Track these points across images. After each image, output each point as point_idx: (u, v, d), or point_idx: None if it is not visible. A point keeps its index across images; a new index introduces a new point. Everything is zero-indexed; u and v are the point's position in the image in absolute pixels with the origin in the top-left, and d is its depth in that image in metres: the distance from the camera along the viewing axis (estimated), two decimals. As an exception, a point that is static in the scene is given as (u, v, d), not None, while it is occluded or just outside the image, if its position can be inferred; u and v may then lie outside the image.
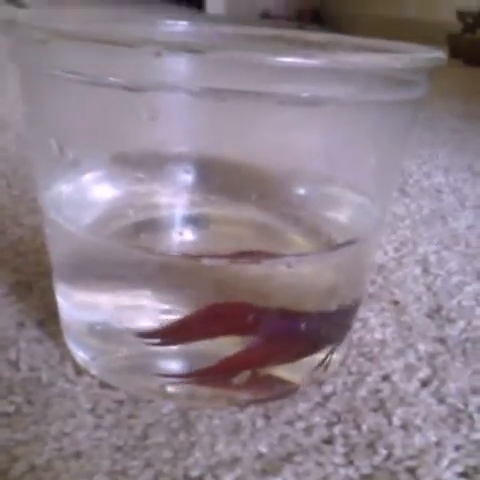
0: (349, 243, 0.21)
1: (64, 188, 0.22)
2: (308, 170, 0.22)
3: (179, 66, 0.17)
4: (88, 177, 0.22)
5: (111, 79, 0.17)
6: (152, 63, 0.16)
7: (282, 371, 0.21)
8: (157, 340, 0.20)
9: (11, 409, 0.20)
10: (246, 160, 0.22)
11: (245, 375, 0.20)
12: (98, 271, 0.21)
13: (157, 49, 0.15)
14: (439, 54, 0.19)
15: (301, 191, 0.23)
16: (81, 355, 0.22)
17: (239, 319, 0.20)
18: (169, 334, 0.20)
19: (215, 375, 0.20)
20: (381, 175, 0.22)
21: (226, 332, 0.20)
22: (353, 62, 0.17)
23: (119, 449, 0.19)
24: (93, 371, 0.22)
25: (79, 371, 0.22)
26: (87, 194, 0.23)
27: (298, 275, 0.20)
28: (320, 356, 0.22)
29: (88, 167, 0.22)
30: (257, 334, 0.20)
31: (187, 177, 0.22)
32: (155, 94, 0.18)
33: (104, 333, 0.22)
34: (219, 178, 0.23)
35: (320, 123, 0.20)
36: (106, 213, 0.23)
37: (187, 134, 0.20)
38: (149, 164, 0.21)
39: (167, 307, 0.21)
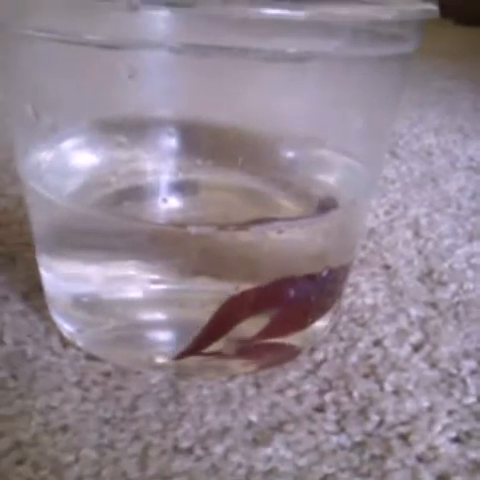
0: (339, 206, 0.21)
1: (43, 156, 0.21)
2: (296, 132, 0.21)
3: (159, 22, 0.16)
4: (67, 144, 0.21)
5: (86, 36, 0.16)
6: (130, 18, 0.15)
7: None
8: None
9: (-5, 384, 0.20)
10: (232, 122, 0.21)
11: (234, 344, 0.20)
12: (82, 241, 0.20)
13: (133, 2, 0.14)
14: (429, 6, 0.18)
15: (289, 154, 0.23)
16: (67, 328, 0.22)
17: (261, 301, 0.20)
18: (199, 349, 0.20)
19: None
20: (371, 136, 0.22)
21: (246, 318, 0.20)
22: (340, 15, 0.16)
23: (106, 422, 0.19)
24: (79, 343, 0.21)
25: (65, 344, 0.22)
26: (67, 162, 0.22)
27: (288, 240, 0.20)
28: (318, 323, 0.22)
29: (67, 133, 0.21)
30: (275, 307, 0.20)
31: (171, 141, 0.21)
32: (135, 52, 0.17)
33: (91, 305, 0.21)
34: (204, 142, 0.22)
35: (307, 82, 0.19)
36: (87, 181, 0.22)
37: (169, 95, 0.19)
38: (130, 128, 0.20)
39: (156, 277, 0.20)
